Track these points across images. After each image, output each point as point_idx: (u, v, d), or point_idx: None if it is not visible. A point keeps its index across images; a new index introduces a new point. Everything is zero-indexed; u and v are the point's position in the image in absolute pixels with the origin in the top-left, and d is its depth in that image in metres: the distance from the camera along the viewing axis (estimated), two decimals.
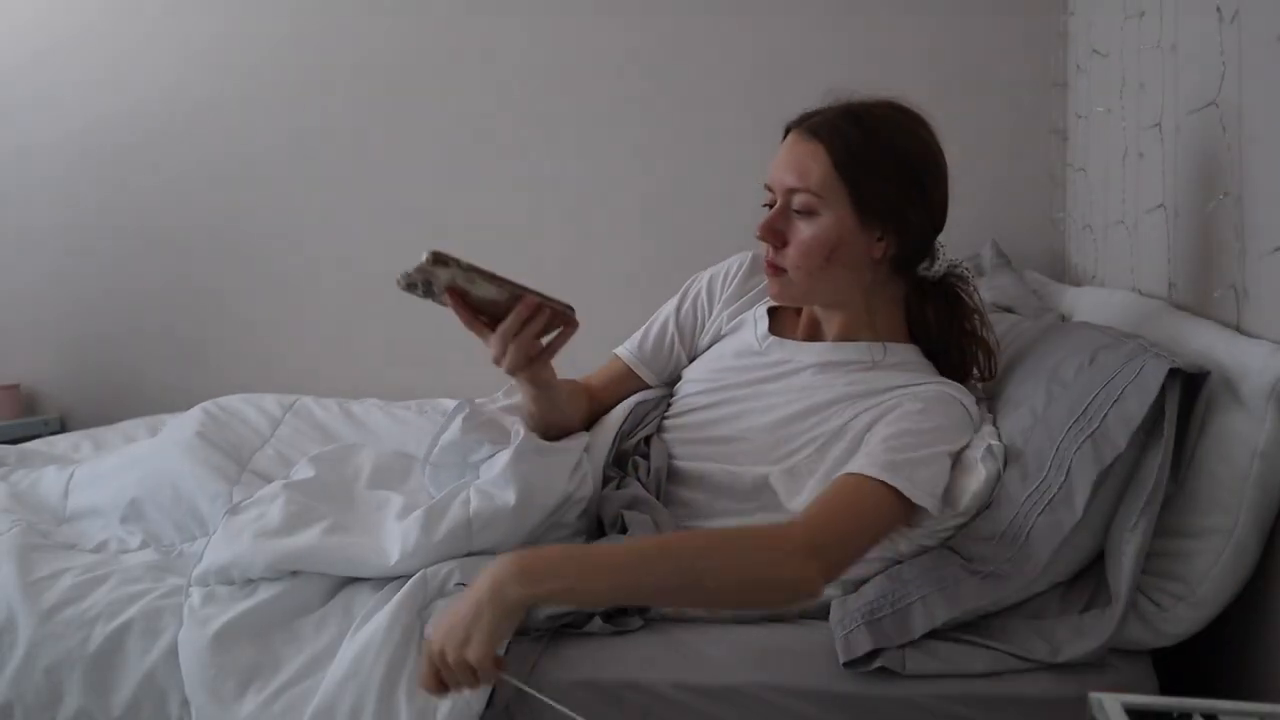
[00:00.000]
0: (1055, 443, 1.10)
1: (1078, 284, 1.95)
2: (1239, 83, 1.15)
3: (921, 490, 1.13)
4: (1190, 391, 1.06)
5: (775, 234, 1.27)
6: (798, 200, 1.25)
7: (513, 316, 1.16)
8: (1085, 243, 1.93)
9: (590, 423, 1.45)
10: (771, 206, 1.29)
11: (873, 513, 1.12)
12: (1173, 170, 1.39)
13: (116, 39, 2.53)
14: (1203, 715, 0.74)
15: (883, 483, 1.12)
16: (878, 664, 1.06)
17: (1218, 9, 1.19)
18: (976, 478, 1.17)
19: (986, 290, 1.74)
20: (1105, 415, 1.06)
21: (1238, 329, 1.15)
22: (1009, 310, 1.72)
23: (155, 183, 2.55)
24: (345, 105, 2.47)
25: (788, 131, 1.31)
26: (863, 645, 1.07)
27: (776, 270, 1.29)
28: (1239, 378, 1.04)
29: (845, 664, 1.06)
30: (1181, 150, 1.36)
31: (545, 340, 1.21)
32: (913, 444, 1.16)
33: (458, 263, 1.09)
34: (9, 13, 2.56)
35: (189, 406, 1.83)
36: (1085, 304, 1.63)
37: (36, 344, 2.62)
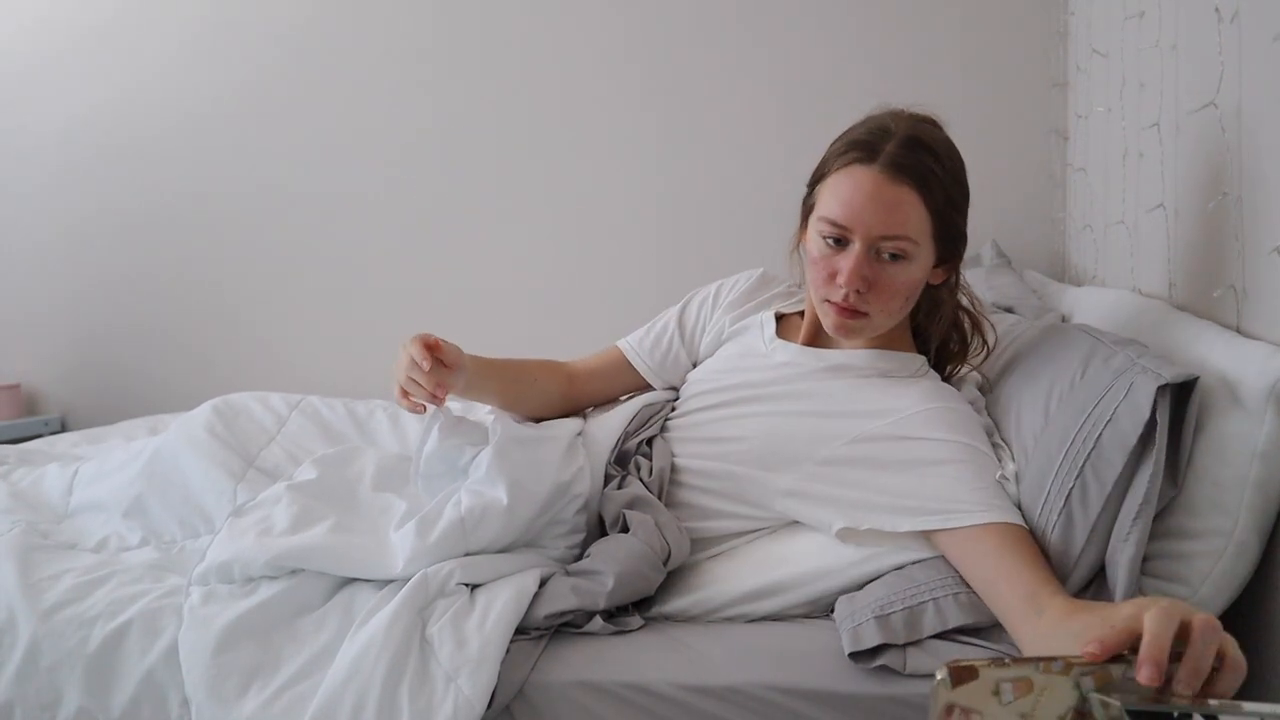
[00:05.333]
0: (1054, 467, 1.10)
1: (1078, 284, 1.95)
2: (1239, 82, 1.15)
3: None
4: (1185, 396, 1.06)
5: (866, 281, 1.23)
6: (891, 246, 1.22)
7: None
8: (1085, 243, 1.93)
9: (570, 405, 1.49)
10: (838, 242, 1.24)
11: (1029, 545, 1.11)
12: (1172, 170, 1.39)
13: (117, 35, 2.53)
14: (1203, 715, 0.74)
15: (1014, 524, 1.11)
16: (880, 662, 1.06)
17: (1216, 9, 1.19)
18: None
19: (987, 290, 1.75)
20: (1099, 436, 1.06)
21: (1237, 329, 1.15)
22: (1009, 310, 1.72)
23: (156, 183, 2.55)
24: (351, 104, 2.47)
25: (851, 160, 1.25)
26: (872, 638, 1.07)
27: (856, 314, 1.25)
28: (1238, 379, 1.04)
29: (850, 655, 1.07)
30: (1181, 150, 1.36)
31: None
32: (988, 481, 1.16)
33: None
34: (9, 13, 2.56)
35: (189, 406, 1.83)
36: (1085, 304, 1.63)
37: (37, 344, 2.63)
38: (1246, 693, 1.08)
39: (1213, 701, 0.76)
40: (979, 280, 1.83)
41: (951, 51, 2.22)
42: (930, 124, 1.29)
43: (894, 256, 1.22)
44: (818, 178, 1.32)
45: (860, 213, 1.22)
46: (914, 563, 1.17)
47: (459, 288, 2.43)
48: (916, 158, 1.23)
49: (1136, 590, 1.02)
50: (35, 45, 2.56)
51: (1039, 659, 0.79)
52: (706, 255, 2.34)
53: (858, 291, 1.23)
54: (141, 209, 2.57)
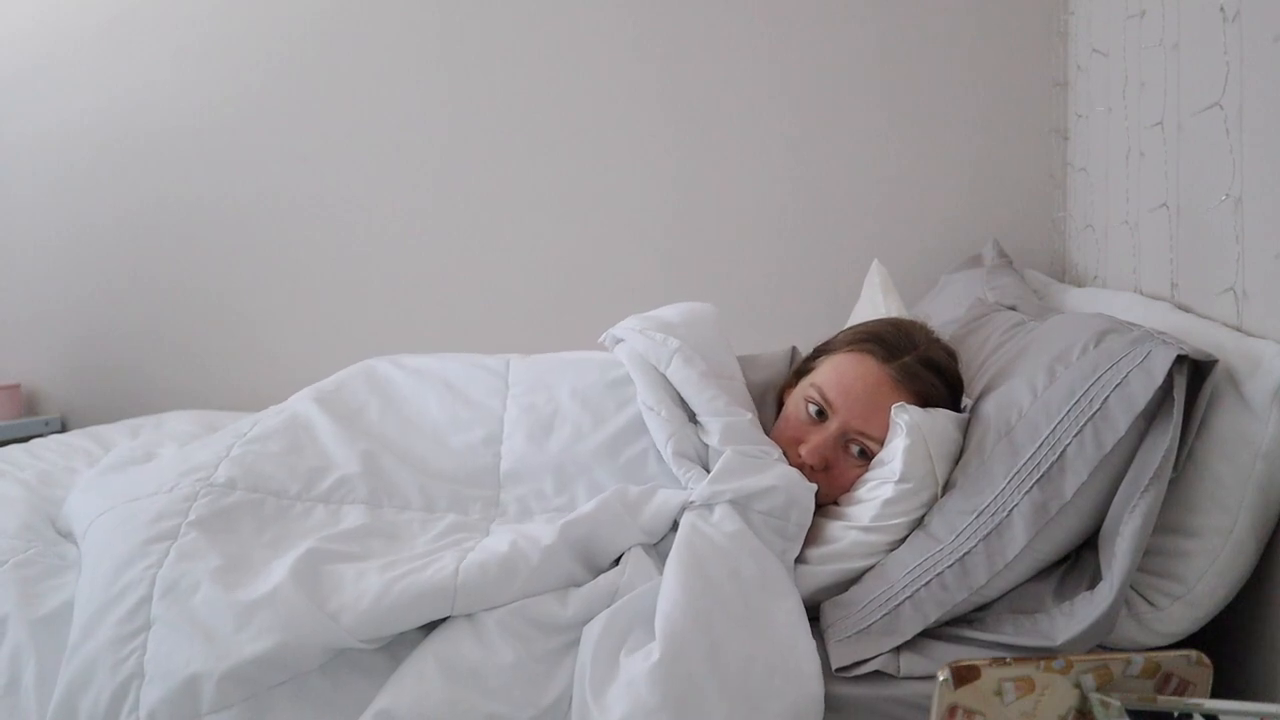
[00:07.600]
0: (1052, 423, 1.09)
1: (1079, 284, 1.95)
2: (1241, 82, 1.15)
3: None
4: (1193, 382, 1.05)
5: (825, 461, 1.25)
6: (863, 442, 1.24)
7: None
8: (1087, 243, 1.93)
9: None
10: (820, 414, 1.27)
11: None
12: (1175, 170, 1.39)
13: (118, 37, 2.53)
14: (1203, 715, 0.74)
15: None
16: (872, 669, 1.06)
17: (1220, 8, 1.18)
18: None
19: (988, 290, 1.74)
20: (1107, 398, 1.05)
21: (1239, 330, 1.15)
22: (1012, 309, 1.71)
23: (157, 185, 2.55)
24: (351, 105, 2.46)
25: (865, 349, 1.29)
26: (854, 655, 1.06)
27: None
28: (1244, 378, 1.03)
29: (837, 671, 1.06)
30: (1184, 149, 1.36)
31: None
32: None
33: None
34: (10, 14, 2.56)
35: (189, 407, 1.83)
36: (1086, 305, 1.62)
37: (37, 344, 2.62)
38: (1247, 693, 1.08)
39: (1213, 701, 0.76)
40: (979, 280, 1.83)
41: (952, 51, 2.21)
42: (952, 356, 1.32)
43: (860, 452, 1.25)
44: (825, 350, 1.35)
45: (853, 400, 1.25)
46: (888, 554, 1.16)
47: (462, 292, 2.42)
48: (928, 377, 1.26)
49: (1134, 568, 1.00)
50: (37, 47, 2.56)
51: (1040, 658, 0.79)
52: (712, 258, 2.34)
53: (812, 467, 1.24)
54: (142, 210, 2.56)
